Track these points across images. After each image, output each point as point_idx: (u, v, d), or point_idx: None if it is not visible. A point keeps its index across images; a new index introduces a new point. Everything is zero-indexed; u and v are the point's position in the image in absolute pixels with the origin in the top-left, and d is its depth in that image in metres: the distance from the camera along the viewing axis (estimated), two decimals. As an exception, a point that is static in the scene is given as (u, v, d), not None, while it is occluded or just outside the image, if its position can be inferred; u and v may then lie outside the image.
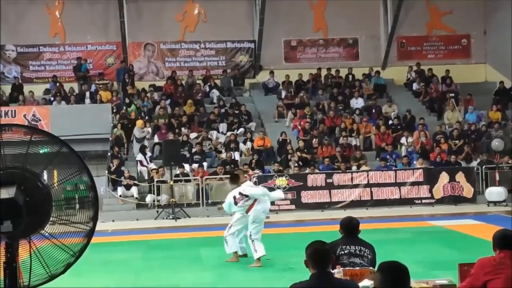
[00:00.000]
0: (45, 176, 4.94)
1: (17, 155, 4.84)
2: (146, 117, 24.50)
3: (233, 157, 21.98)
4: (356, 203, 20.48)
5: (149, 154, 22.27)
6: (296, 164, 21.42)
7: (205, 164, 21.85)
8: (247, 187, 11.99)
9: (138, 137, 22.92)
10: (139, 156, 22.14)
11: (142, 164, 21.93)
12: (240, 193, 11.80)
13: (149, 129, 23.51)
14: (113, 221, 19.71)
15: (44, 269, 4.86)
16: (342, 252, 6.71)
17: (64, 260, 4.92)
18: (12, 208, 4.52)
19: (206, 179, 20.81)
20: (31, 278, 4.76)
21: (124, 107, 24.32)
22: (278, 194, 13.40)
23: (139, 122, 23.29)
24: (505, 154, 21.84)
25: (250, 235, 11.64)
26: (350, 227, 6.92)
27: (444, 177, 20.82)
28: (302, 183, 20.42)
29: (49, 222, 4.88)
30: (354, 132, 23.77)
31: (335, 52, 28.33)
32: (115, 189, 20.82)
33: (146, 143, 22.83)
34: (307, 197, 20.45)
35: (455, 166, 21.55)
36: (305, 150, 22.51)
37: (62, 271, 4.96)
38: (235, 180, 12.14)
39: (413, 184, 20.76)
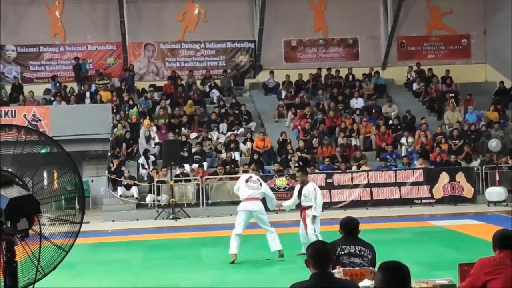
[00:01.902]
0: (45, 175, 4.94)
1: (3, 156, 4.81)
2: (147, 117, 24.52)
3: (233, 157, 21.98)
4: (356, 203, 20.49)
5: (152, 158, 22.16)
6: (296, 164, 21.40)
7: (205, 164, 21.84)
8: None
9: (145, 136, 22.82)
10: (141, 159, 22.10)
11: (143, 167, 21.86)
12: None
13: (154, 128, 23.36)
14: (113, 221, 19.74)
15: (36, 268, 4.84)
16: (342, 252, 6.71)
17: (56, 258, 4.91)
18: (30, 206, 4.49)
19: (206, 179, 20.80)
20: (24, 277, 4.74)
21: (126, 108, 24.21)
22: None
23: (146, 122, 23.18)
24: (504, 154, 21.86)
25: (315, 230, 12.02)
26: (350, 227, 6.92)
27: (444, 177, 20.83)
28: (302, 183, 20.36)
29: (49, 222, 4.88)
30: (354, 132, 23.76)
31: (335, 52, 28.34)
32: (115, 189, 20.81)
33: (152, 143, 22.80)
34: (307, 197, 20.40)
35: (455, 166, 21.56)
36: (305, 150, 22.51)
37: (53, 268, 4.95)
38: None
39: (413, 184, 20.76)
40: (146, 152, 22.24)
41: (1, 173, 4.69)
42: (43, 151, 4.97)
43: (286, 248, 12.69)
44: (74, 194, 5.05)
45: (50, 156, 4.95)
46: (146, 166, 21.79)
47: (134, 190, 20.71)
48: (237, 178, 20.56)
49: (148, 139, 22.93)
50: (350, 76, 27.40)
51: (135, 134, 23.25)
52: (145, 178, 21.46)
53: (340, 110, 24.98)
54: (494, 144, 21.27)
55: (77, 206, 5.07)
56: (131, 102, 24.30)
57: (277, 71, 27.22)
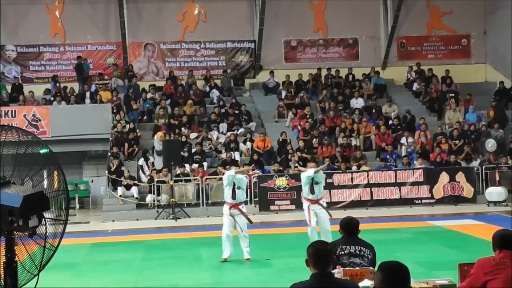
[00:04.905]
0: (45, 175, 4.94)
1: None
2: (145, 117, 24.51)
3: (233, 157, 21.98)
4: (356, 203, 20.48)
5: (151, 159, 22.05)
6: (296, 164, 21.41)
7: (205, 164, 21.84)
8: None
9: (158, 150, 22.36)
10: (141, 161, 22.03)
11: (142, 171, 21.77)
12: None
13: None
14: (113, 221, 19.75)
15: (38, 269, 4.84)
16: (342, 252, 6.71)
17: (46, 257, 4.91)
18: (40, 203, 4.46)
19: (206, 179, 20.81)
20: (20, 277, 4.74)
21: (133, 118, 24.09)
22: None
23: (159, 134, 22.85)
24: (504, 154, 21.86)
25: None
26: (350, 227, 6.92)
27: (444, 177, 20.82)
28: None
29: (49, 222, 4.88)
30: (354, 132, 23.77)
31: (335, 52, 28.33)
32: (115, 189, 20.80)
33: (154, 150, 22.63)
34: (307, 197, 20.38)
35: (455, 166, 21.55)
36: (305, 150, 22.50)
37: (43, 267, 4.95)
38: None
39: (413, 184, 20.75)
40: (145, 153, 22.14)
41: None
42: (43, 151, 4.97)
43: (285, 248, 12.71)
44: (63, 193, 5.04)
45: (35, 156, 4.94)
46: (146, 169, 21.65)
47: (134, 190, 20.70)
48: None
49: (161, 152, 22.16)
50: (350, 76, 27.39)
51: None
52: (145, 180, 21.35)
53: (340, 110, 24.98)
54: (490, 144, 21.31)
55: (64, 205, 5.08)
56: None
57: (277, 71, 27.21)
